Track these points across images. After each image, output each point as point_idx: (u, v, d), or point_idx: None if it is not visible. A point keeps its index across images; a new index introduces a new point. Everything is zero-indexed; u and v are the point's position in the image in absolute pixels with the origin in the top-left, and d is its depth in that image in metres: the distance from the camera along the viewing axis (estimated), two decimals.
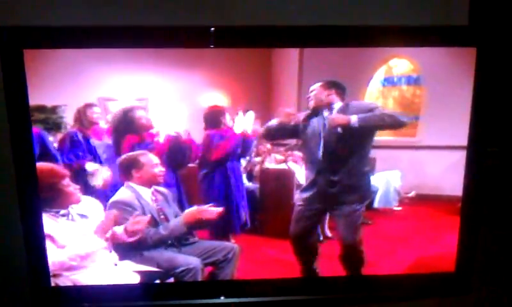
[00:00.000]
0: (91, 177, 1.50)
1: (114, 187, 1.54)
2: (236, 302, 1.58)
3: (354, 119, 1.48)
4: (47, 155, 1.44)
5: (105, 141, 1.54)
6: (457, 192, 1.53)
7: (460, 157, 1.50)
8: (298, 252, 1.61)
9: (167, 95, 1.48)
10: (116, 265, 1.52)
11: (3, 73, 1.32)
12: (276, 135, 1.57)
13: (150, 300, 1.56)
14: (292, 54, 1.51)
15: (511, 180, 1.78)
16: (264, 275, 1.60)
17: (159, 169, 1.54)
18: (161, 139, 1.54)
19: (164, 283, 1.54)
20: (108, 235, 1.49)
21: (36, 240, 1.43)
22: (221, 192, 1.63)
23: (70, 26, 1.35)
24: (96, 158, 1.54)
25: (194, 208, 1.56)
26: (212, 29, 1.35)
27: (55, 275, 1.47)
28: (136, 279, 1.53)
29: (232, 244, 1.63)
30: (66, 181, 1.45)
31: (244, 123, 1.54)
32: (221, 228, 1.63)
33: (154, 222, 1.56)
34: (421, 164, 1.64)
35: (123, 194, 1.54)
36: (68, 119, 1.46)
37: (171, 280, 1.54)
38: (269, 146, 1.72)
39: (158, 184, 1.57)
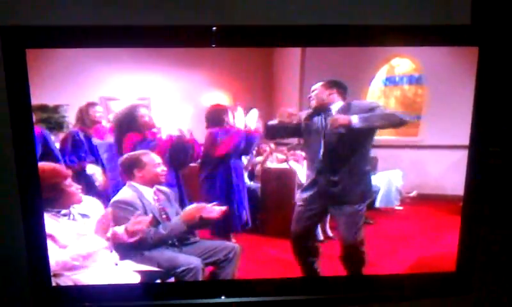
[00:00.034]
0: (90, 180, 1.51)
1: (114, 188, 1.54)
2: (237, 302, 1.58)
3: (355, 119, 1.48)
4: (49, 155, 1.44)
5: (107, 140, 1.54)
6: (458, 192, 1.53)
7: (462, 157, 1.50)
8: (299, 252, 1.61)
9: (169, 95, 1.48)
10: (116, 264, 1.52)
11: (5, 73, 1.32)
12: (277, 134, 1.57)
13: (150, 300, 1.56)
14: (294, 53, 1.52)
15: None
16: (264, 275, 1.60)
17: (161, 169, 1.54)
18: (163, 137, 1.54)
19: (164, 282, 1.54)
20: (109, 234, 1.48)
21: (37, 240, 1.43)
22: (222, 191, 1.63)
23: (72, 26, 1.36)
24: (97, 158, 1.54)
25: (193, 205, 1.56)
26: (214, 28, 1.35)
27: (56, 275, 1.47)
28: (136, 279, 1.53)
29: (232, 244, 1.63)
30: (69, 181, 1.45)
31: (248, 120, 1.54)
32: (222, 227, 1.63)
33: (156, 222, 1.56)
34: (423, 163, 1.64)
35: (125, 193, 1.54)
36: (70, 118, 1.46)
37: (172, 280, 1.54)
38: (272, 145, 1.72)
39: (160, 183, 1.57)
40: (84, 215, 1.49)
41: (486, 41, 1.40)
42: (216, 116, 1.56)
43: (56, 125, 1.44)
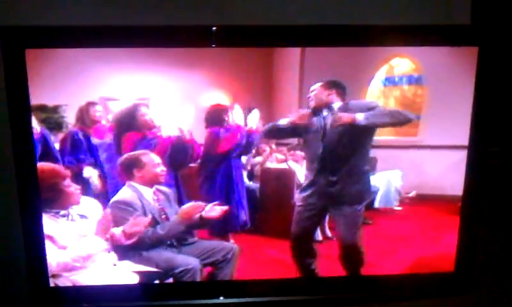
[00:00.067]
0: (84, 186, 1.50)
1: (113, 188, 1.54)
2: (235, 302, 1.58)
3: (360, 116, 1.48)
4: (48, 155, 1.44)
5: (106, 139, 1.54)
6: (458, 192, 1.53)
7: (461, 157, 1.50)
8: (298, 253, 1.61)
9: (168, 95, 1.48)
10: (115, 265, 1.52)
11: (5, 73, 1.32)
12: (277, 135, 1.57)
13: (149, 301, 1.56)
14: (294, 53, 1.51)
15: None
16: (263, 276, 1.59)
17: (161, 169, 1.54)
18: (164, 136, 1.54)
19: (163, 283, 1.54)
20: (108, 235, 1.48)
21: (36, 241, 1.43)
22: (222, 191, 1.63)
23: (72, 26, 1.36)
24: (96, 158, 1.54)
25: (190, 204, 1.55)
26: (214, 28, 1.35)
27: (54, 276, 1.47)
28: (135, 280, 1.52)
29: (231, 244, 1.63)
30: (67, 181, 1.45)
31: (249, 120, 1.54)
32: (220, 228, 1.62)
33: (155, 222, 1.56)
34: (422, 163, 1.64)
35: (124, 193, 1.54)
36: (69, 119, 1.46)
37: (171, 280, 1.54)
38: (274, 146, 1.72)
39: (159, 184, 1.57)
40: (82, 216, 1.49)
41: (485, 41, 1.40)
42: (216, 116, 1.56)
43: (55, 125, 1.44)
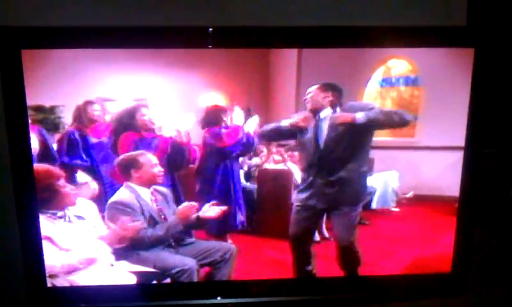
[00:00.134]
0: (79, 188, 1.51)
1: (110, 188, 1.55)
2: (233, 303, 1.58)
3: (359, 115, 1.48)
4: (46, 154, 1.44)
5: (103, 139, 1.54)
6: (455, 193, 1.53)
7: (458, 158, 1.50)
8: (296, 254, 1.61)
9: (165, 95, 1.48)
10: (112, 265, 1.52)
11: (1, 74, 1.32)
12: (278, 137, 1.58)
13: (146, 301, 1.55)
14: (290, 54, 1.51)
15: (508, 180, 1.78)
16: (261, 276, 1.60)
17: (158, 169, 1.54)
18: (163, 136, 1.54)
19: (160, 283, 1.54)
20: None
21: (33, 241, 1.43)
22: (219, 191, 1.63)
23: (68, 26, 1.35)
24: (92, 159, 1.54)
25: (185, 204, 1.56)
26: (210, 29, 1.35)
27: (52, 276, 1.47)
28: (132, 280, 1.53)
29: (229, 245, 1.63)
30: (62, 182, 1.45)
31: (248, 125, 1.55)
32: (218, 228, 1.63)
33: (154, 223, 1.56)
34: (419, 164, 1.64)
35: (122, 194, 1.54)
36: (66, 119, 1.46)
37: (168, 280, 1.54)
38: (274, 149, 1.72)
39: (157, 184, 1.57)
40: (79, 217, 1.49)
41: (481, 42, 1.40)
42: (214, 117, 1.56)
43: (52, 126, 1.44)
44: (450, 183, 1.54)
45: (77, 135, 1.50)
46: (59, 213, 1.47)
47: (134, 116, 1.51)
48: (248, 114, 1.54)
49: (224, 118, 1.57)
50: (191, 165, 1.61)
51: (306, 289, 1.62)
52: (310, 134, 1.54)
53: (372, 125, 1.50)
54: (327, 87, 1.50)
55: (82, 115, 1.47)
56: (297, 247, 1.62)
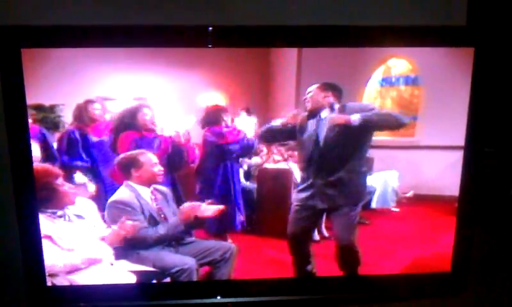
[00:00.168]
0: (77, 189, 1.51)
1: (110, 187, 1.55)
2: (232, 302, 1.58)
3: (355, 117, 1.48)
4: (47, 154, 1.44)
5: (104, 138, 1.54)
6: (455, 193, 1.53)
7: (458, 157, 1.50)
8: (295, 253, 1.61)
9: (165, 95, 1.48)
10: (112, 264, 1.52)
11: (1, 73, 1.32)
12: (274, 138, 1.57)
13: (146, 300, 1.56)
14: (290, 53, 1.51)
15: (508, 180, 1.78)
16: (260, 275, 1.60)
17: (158, 168, 1.54)
18: (163, 136, 1.54)
19: (160, 282, 1.55)
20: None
21: (32, 240, 1.43)
22: (219, 190, 1.63)
23: (68, 25, 1.35)
24: (93, 158, 1.54)
25: (188, 204, 1.56)
26: (210, 28, 1.35)
27: (52, 275, 1.47)
28: (132, 279, 1.53)
29: (229, 244, 1.63)
30: (60, 180, 1.45)
31: (246, 127, 1.55)
32: (218, 228, 1.63)
33: (154, 222, 1.56)
34: (419, 164, 1.64)
35: (122, 193, 1.54)
36: (66, 118, 1.46)
37: (168, 280, 1.54)
38: (275, 150, 1.72)
39: (157, 183, 1.57)
40: (79, 217, 1.50)
41: (481, 42, 1.40)
42: (214, 116, 1.56)
43: (52, 125, 1.44)
44: (450, 182, 1.54)
45: (77, 134, 1.50)
46: (59, 213, 1.47)
47: (135, 116, 1.51)
48: (248, 115, 1.54)
49: (225, 118, 1.57)
50: (192, 165, 1.61)
51: (306, 289, 1.62)
52: (310, 134, 1.54)
53: (367, 127, 1.50)
54: (327, 86, 1.50)
55: (83, 114, 1.47)
56: (296, 246, 1.62)
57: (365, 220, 1.64)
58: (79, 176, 1.51)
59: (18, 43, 1.30)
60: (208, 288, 1.59)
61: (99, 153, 1.54)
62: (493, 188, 1.76)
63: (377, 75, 1.54)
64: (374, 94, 1.56)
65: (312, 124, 1.54)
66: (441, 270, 1.60)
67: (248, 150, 1.62)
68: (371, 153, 1.56)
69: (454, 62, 1.46)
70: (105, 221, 1.52)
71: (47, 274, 1.46)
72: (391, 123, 1.51)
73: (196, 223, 1.56)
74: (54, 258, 1.45)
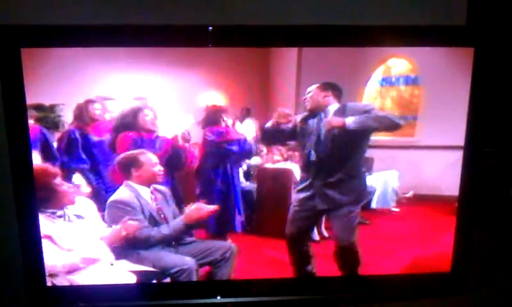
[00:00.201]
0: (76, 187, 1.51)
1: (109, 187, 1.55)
2: (232, 302, 1.58)
3: (349, 121, 1.48)
4: (47, 154, 1.44)
5: (104, 138, 1.54)
6: (454, 192, 1.53)
7: (458, 157, 1.50)
8: (293, 253, 1.61)
9: (165, 94, 1.48)
10: (112, 264, 1.52)
11: (0, 72, 1.32)
12: (274, 139, 1.58)
13: (146, 300, 1.56)
14: (290, 53, 1.51)
15: (508, 180, 1.78)
16: (260, 275, 1.60)
17: (158, 168, 1.54)
18: (162, 137, 1.54)
19: (160, 282, 1.55)
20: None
21: (32, 240, 1.43)
22: (218, 191, 1.63)
23: (68, 25, 1.35)
24: (92, 158, 1.54)
25: (194, 206, 1.56)
26: (210, 28, 1.35)
27: (52, 275, 1.47)
28: (132, 279, 1.53)
29: (229, 244, 1.63)
30: (59, 180, 1.44)
31: (245, 130, 1.55)
32: (218, 228, 1.63)
33: (154, 222, 1.56)
34: (419, 164, 1.64)
35: (122, 193, 1.54)
36: (66, 118, 1.46)
37: (168, 280, 1.54)
38: (277, 152, 1.72)
39: (157, 183, 1.57)
40: (79, 217, 1.50)
41: (481, 42, 1.40)
42: (214, 117, 1.56)
43: (52, 125, 1.45)
44: (450, 182, 1.54)
45: (77, 134, 1.51)
46: (59, 213, 1.47)
47: (136, 116, 1.51)
48: (248, 115, 1.54)
49: (225, 118, 1.57)
50: (191, 165, 1.61)
51: (306, 289, 1.62)
52: (310, 134, 1.54)
53: (362, 130, 1.50)
54: (327, 86, 1.50)
55: (83, 114, 1.47)
56: (294, 247, 1.62)
57: (365, 220, 1.64)
58: (76, 177, 1.51)
59: (18, 43, 1.30)
60: (208, 288, 1.59)
61: (99, 152, 1.54)
62: (493, 188, 1.76)
63: (377, 75, 1.54)
64: (374, 94, 1.57)
65: (312, 124, 1.54)
66: (441, 270, 1.60)
67: (247, 154, 1.63)
68: (371, 153, 1.56)
69: (454, 62, 1.46)
70: (105, 221, 1.52)
71: (46, 274, 1.46)
72: (387, 125, 1.52)
73: (197, 224, 1.56)
74: (53, 258, 1.45)
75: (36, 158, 1.41)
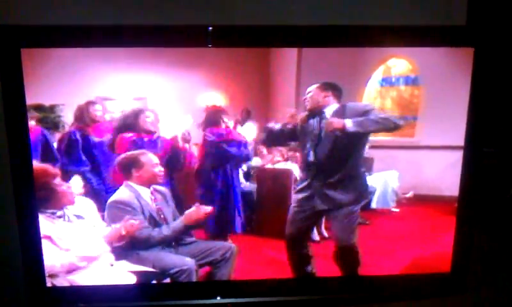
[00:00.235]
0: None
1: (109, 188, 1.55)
2: (232, 303, 1.58)
3: (349, 123, 1.48)
4: (48, 155, 1.44)
5: (105, 139, 1.54)
6: (455, 193, 1.53)
7: (458, 157, 1.50)
8: (293, 254, 1.61)
9: (165, 94, 1.49)
10: (112, 265, 1.52)
11: (0, 73, 1.31)
12: (277, 141, 1.58)
13: (146, 301, 1.56)
14: (290, 53, 1.51)
15: (507, 180, 1.78)
16: (260, 276, 1.60)
17: (159, 169, 1.54)
18: (162, 138, 1.54)
19: (160, 283, 1.54)
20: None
21: (32, 241, 1.43)
22: (220, 192, 1.63)
23: (68, 25, 1.35)
24: (93, 159, 1.54)
25: (194, 208, 1.56)
26: (210, 28, 1.35)
27: (52, 276, 1.47)
28: (131, 280, 1.52)
29: (229, 244, 1.63)
30: (58, 180, 1.44)
31: (246, 132, 1.56)
32: (218, 229, 1.63)
33: (154, 222, 1.56)
34: (419, 164, 1.64)
35: (122, 193, 1.54)
36: (66, 118, 1.46)
37: (168, 280, 1.54)
38: (277, 152, 1.72)
39: (157, 184, 1.57)
40: (78, 217, 1.49)
41: (481, 42, 1.40)
42: (214, 117, 1.56)
43: (52, 125, 1.45)
44: (449, 182, 1.54)
45: (78, 135, 1.51)
46: (59, 213, 1.47)
47: (136, 118, 1.52)
48: (248, 117, 1.54)
49: (225, 119, 1.57)
50: (191, 166, 1.62)
51: (306, 289, 1.62)
52: (310, 134, 1.54)
53: (362, 131, 1.50)
54: (327, 86, 1.50)
55: (84, 115, 1.47)
56: (294, 247, 1.62)
57: (365, 220, 1.64)
58: (76, 179, 1.51)
59: (18, 43, 1.30)
60: (208, 289, 1.59)
61: (100, 153, 1.54)
62: (493, 188, 1.76)
63: (377, 75, 1.54)
64: (374, 94, 1.57)
65: (312, 124, 1.54)
66: (441, 270, 1.60)
67: (246, 157, 1.63)
68: (371, 153, 1.56)
69: (454, 63, 1.46)
70: (105, 221, 1.52)
71: (46, 275, 1.46)
72: (387, 126, 1.51)
73: (197, 225, 1.56)
74: (53, 258, 1.45)
75: (38, 160, 1.41)
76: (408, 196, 1.63)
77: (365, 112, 1.49)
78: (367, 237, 1.60)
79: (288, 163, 1.71)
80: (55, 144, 1.47)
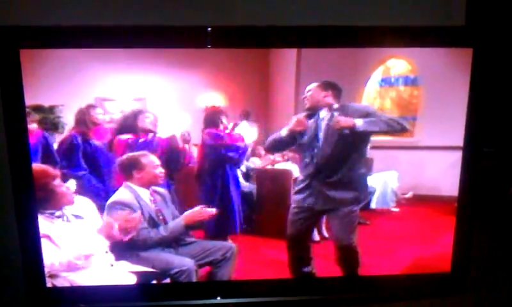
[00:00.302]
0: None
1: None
2: (233, 303, 1.58)
3: (359, 122, 1.48)
4: (49, 157, 1.44)
5: (106, 141, 1.54)
6: (454, 193, 1.53)
7: (458, 158, 1.50)
8: (294, 254, 1.61)
9: (164, 95, 1.49)
10: (112, 265, 1.52)
11: None
12: (281, 147, 1.58)
13: (146, 301, 1.55)
14: (290, 54, 1.52)
15: (507, 179, 1.79)
16: (261, 276, 1.60)
17: (160, 170, 1.54)
18: (160, 138, 1.55)
19: (160, 283, 1.54)
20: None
21: (32, 241, 1.43)
22: (219, 193, 1.63)
23: (67, 26, 1.35)
24: (94, 161, 1.54)
25: (196, 208, 1.56)
26: (209, 29, 1.35)
27: (52, 276, 1.47)
28: (132, 280, 1.53)
29: (230, 244, 1.63)
30: (58, 181, 1.44)
31: (245, 134, 1.56)
32: (218, 230, 1.63)
33: (153, 223, 1.56)
34: (419, 164, 1.64)
35: (122, 194, 1.55)
36: (65, 119, 1.46)
37: (168, 280, 1.54)
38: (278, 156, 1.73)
39: (157, 185, 1.57)
40: (77, 217, 1.49)
41: (480, 42, 1.40)
42: (213, 118, 1.56)
43: (52, 126, 1.45)
44: (449, 183, 1.54)
45: (79, 139, 1.51)
46: (57, 213, 1.47)
47: (135, 119, 1.52)
48: (247, 119, 1.54)
49: (224, 120, 1.57)
50: (190, 165, 1.62)
51: (306, 289, 1.62)
52: (309, 134, 1.54)
53: (371, 132, 1.50)
54: (326, 85, 1.50)
55: (86, 118, 1.47)
56: (295, 247, 1.62)
57: (365, 220, 1.64)
58: (76, 180, 1.51)
59: (16, 44, 1.30)
60: (208, 289, 1.59)
61: (101, 156, 1.54)
62: (492, 188, 1.76)
63: (377, 75, 1.54)
64: (374, 95, 1.57)
65: (311, 124, 1.54)
66: (441, 270, 1.60)
67: (243, 160, 1.63)
68: (371, 153, 1.56)
69: (453, 63, 1.46)
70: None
71: (46, 275, 1.46)
72: (395, 128, 1.51)
73: (197, 225, 1.56)
74: (53, 258, 1.45)
75: (39, 163, 1.41)
76: (407, 196, 1.63)
77: (367, 113, 1.49)
78: (366, 237, 1.61)
79: (288, 163, 1.71)
80: (55, 145, 1.47)
